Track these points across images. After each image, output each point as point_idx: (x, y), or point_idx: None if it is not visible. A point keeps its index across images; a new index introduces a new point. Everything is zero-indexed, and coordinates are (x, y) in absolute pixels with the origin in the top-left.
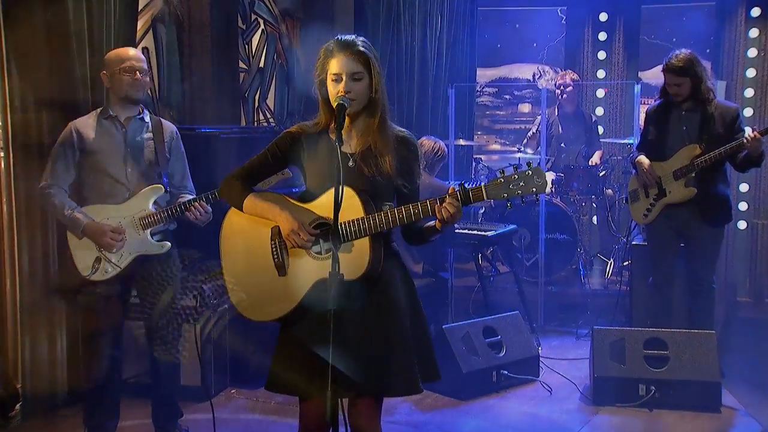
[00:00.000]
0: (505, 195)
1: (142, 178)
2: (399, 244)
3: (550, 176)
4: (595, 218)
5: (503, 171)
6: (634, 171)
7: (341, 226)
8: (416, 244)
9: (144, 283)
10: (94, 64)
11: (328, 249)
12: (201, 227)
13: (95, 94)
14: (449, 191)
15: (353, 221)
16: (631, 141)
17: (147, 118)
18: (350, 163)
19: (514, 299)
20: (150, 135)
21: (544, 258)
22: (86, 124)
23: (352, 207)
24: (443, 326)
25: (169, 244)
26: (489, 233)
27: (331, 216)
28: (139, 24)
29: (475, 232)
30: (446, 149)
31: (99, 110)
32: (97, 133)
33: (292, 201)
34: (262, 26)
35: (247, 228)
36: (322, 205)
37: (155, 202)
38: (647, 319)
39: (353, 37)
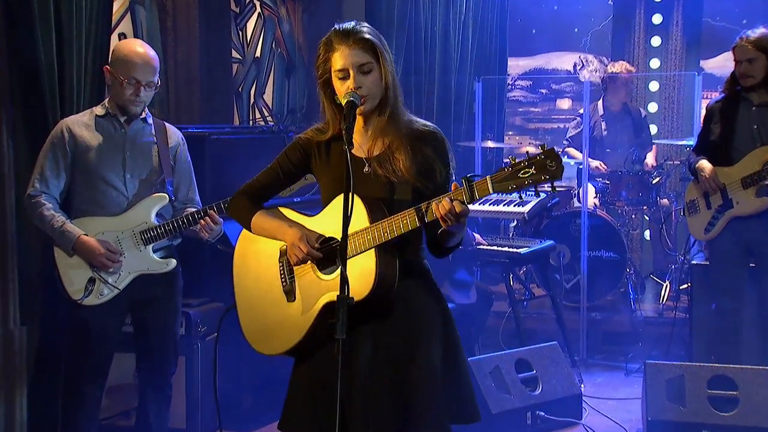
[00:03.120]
0: (514, 186)
1: (143, 187)
2: None
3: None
4: (647, 233)
5: (514, 158)
6: (692, 178)
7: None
8: (441, 255)
9: (143, 308)
10: (63, 53)
11: (338, 266)
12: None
13: (64, 87)
14: (452, 187)
15: (356, 233)
16: (690, 142)
17: (150, 120)
18: (365, 169)
19: (552, 327)
20: (153, 139)
21: (587, 279)
22: (80, 123)
23: (357, 216)
24: (469, 359)
25: (174, 261)
26: (522, 250)
27: (333, 229)
28: (115, 6)
29: (506, 248)
30: None
31: (96, 108)
32: (92, 133)
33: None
34: (259, 10)
35: (259, 251)
36: (324, 216)
37: (159, 214)
38: (711, 353)
39: (353, 23)
